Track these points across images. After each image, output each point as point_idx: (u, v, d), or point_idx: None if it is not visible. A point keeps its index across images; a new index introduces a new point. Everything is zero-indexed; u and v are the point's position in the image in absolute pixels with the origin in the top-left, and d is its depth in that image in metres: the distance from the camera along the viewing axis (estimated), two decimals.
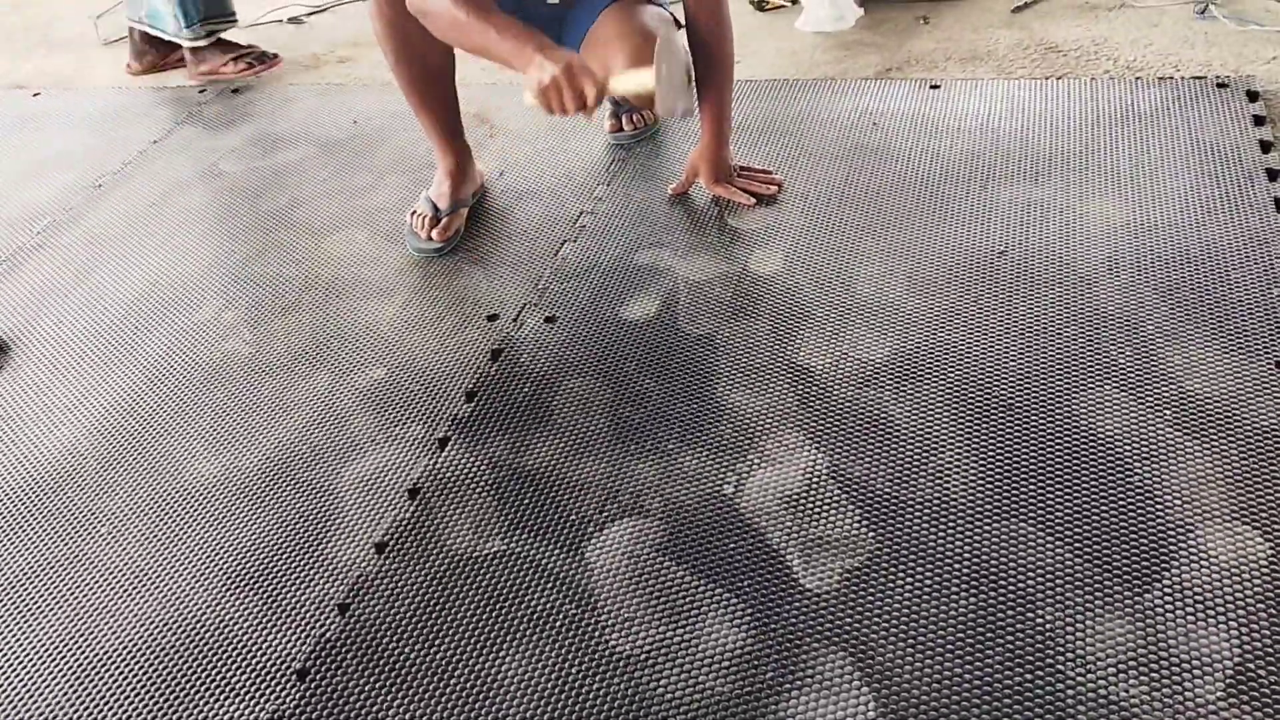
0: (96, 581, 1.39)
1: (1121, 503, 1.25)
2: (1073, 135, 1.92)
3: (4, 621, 1.36)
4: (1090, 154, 1.86)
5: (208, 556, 1.40)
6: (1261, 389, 1.36)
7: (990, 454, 1.34)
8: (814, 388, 1.48)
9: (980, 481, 1.31)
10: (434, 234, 1.92)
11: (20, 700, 1.25)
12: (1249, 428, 1.31)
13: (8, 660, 1.31)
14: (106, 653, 1.29)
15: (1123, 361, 1.43)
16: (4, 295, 2.04)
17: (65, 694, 1.25)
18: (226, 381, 1.70)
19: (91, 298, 1.98)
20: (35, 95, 2.95)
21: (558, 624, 1.23)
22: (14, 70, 3.20)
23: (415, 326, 1.75)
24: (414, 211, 1.97)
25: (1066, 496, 1.27)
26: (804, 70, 2.37)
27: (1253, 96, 1.94)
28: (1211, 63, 2.11)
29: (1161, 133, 1.88)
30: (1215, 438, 1.31)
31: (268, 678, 1.23)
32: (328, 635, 1.26)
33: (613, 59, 1.65)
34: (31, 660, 1.30)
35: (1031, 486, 1.29)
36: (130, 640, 1.30)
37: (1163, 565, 1.17)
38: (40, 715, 1.23)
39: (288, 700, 1.20)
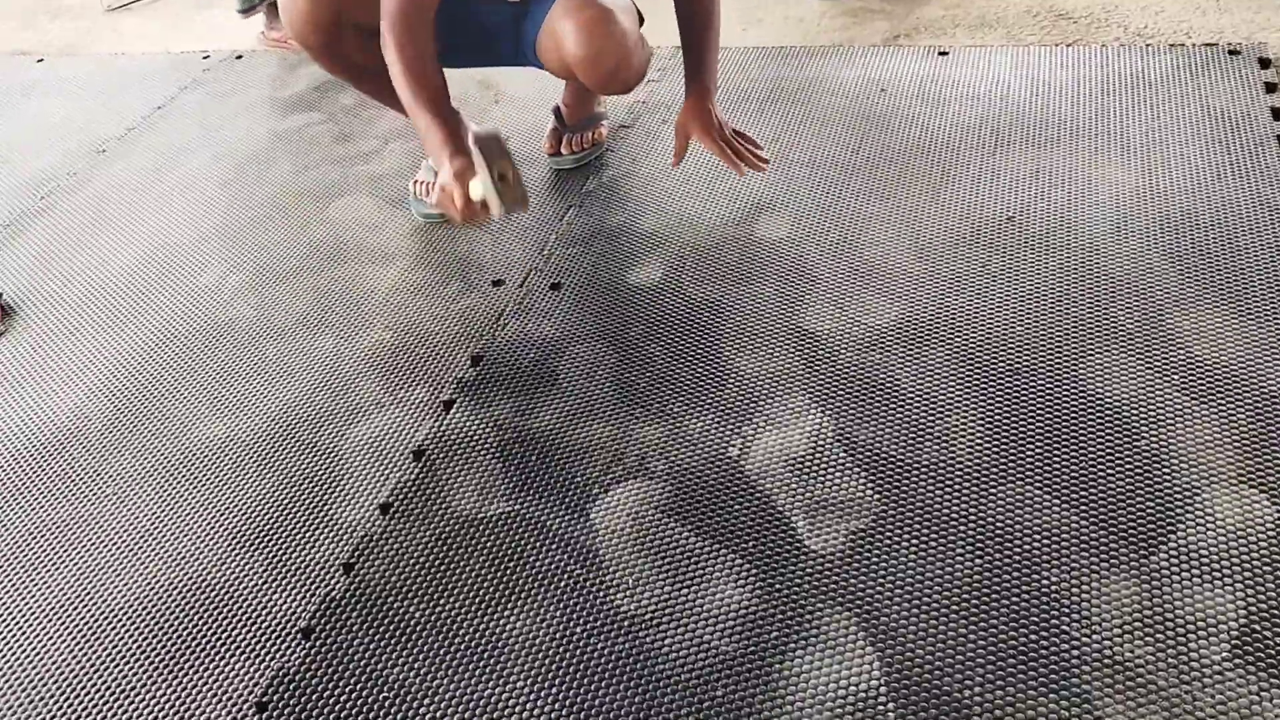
0: (102, 541, 1.39)
1: (1128, 466, 1.24)
2: (1082, 102, 1.90)
3: (11, 581, 1.36)
4: (1100, 121, 1.84)
5: (213, 517, 1.40)
6: (1270, 354, 1.35)
7: (997, 418, 1.33)
8: (820, 352, 1.48)
9: (986, 445, 1.30)
10: None
11: (28, 658, 1.26)
12: (1257, 392, 1.31)
13: (15, 619, 1.31)
14: (113, 611, 1.30)
15: (1130, 327, 1.43)
16: (9, 259, 2.04)
17: (72, 652, 1.26)
18: (231, 345, 1.70)
19: (96, 262, 1.98)
20: (39, 61, 2.94)
21: (562, 584, 1.23)
22: (18, 37, 3.18)
23: (420, 291, 1.75)
24: (417, 180, 1.95)
25: (1073, 460, 1.26)
26: (811, 37, 2.35)
27: (1264, 63, 1.92)
28: (1223, 29, 2.09)
29: (1172, 100, 1.87)
30: (1223, 402, 1.30)
31: (273, 636, 1.23)
32: (332, 594, 1.26)
33: (563, 41, 1.61)
34: (38, 618, 1.31)
35: (1038, 450, 1.28)
36: (136, 599, 1.31)
37: (1169, 528, 1.17)
38: (47, 673, 1.24)
39: (293, 658, 1.20)
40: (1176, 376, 1.34)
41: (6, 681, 1.23)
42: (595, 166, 1.98)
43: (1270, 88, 1.85)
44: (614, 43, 1.58)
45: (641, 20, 1.76)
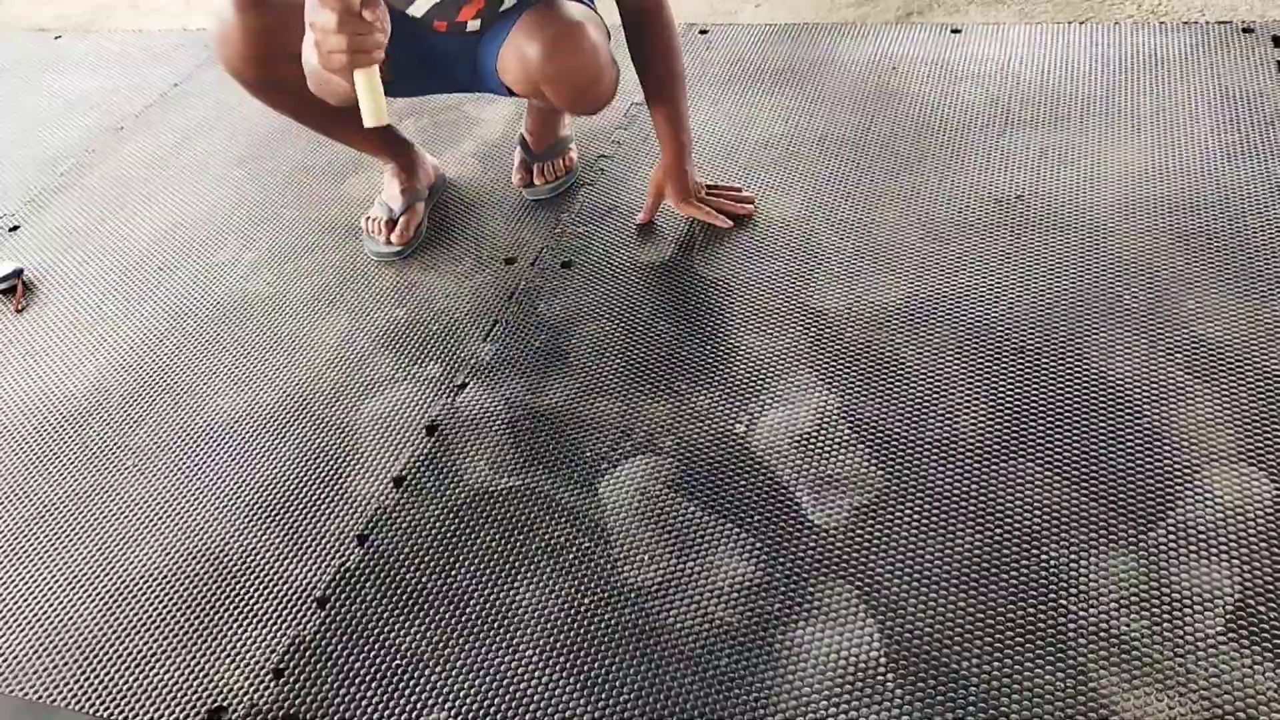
0: (123, 511, 1.43)
1: (1129, 444, 1.26)
2: (1094, 80, 1.90)
3: (35, 549, 1.40)
4: (1111, 100, 1.84)
5: (231, 489, 1.43)
6: (1274, 334, 1.36)
7: (1000, 395, 1.35)
8: (827, 330, 1.49)
9: (989, 422, 1.32)
10: (392, 237, 1.80)
11: (51, 624, 1.30)
12: (1260, 372, 1.32)
13: (39, 586, 1.35)
14: (133, 579, 1.33)
15: (1136, 306, 1.44)
16: (30, 236, 2.07)
17: (94, 618, 1.29)
18: (248, 320, 1.73)
19: (115, 238, 2.01)
20: (57, 38, 2.96)
21: (571, 556, 1.26)
22: (35, 13, 3.21)
23: (433, 268, 1.77)
24: (368, 216, 1.86)
25: (1075, 437, 1.28)
26: (824, 14, 2.35)
27: (1278, 42, 1.92)
28: (1238, 7, 2.08)
29: (1184, 78, 1.87)
30: (1225, 381, 1.31)
31: (289, 605, 1.26)
32: (347, 565, 1.30)
33: (529, 58, 1.50)
34: (61, 586, 1.34)
35: (1041, 427, 1.30)
36: (156, 568, 1.34)
37: (1168, 505, 1.18)
38: (71, 639, 1.28)
39: (308, 626, 1.23)
40: (1180, 355, 1.36)
41: (31, 647, 1.27)
42: (608, 144, 1.99)
43: None
44: (584, 58, 1.49)
45: (609, 35, 1.64)
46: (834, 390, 1.40)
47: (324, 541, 1.33)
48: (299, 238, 1.91)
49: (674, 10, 1.61)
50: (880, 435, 1.33)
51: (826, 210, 1.72)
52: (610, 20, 1.60)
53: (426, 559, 1.29)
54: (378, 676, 1.17)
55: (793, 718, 1.06)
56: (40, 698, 1.22)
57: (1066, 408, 1.32)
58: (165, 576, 1.33)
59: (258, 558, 1.33)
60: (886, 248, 1.62)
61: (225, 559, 1.34)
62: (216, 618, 1.27)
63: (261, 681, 1.19)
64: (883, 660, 1.09)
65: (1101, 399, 1.32)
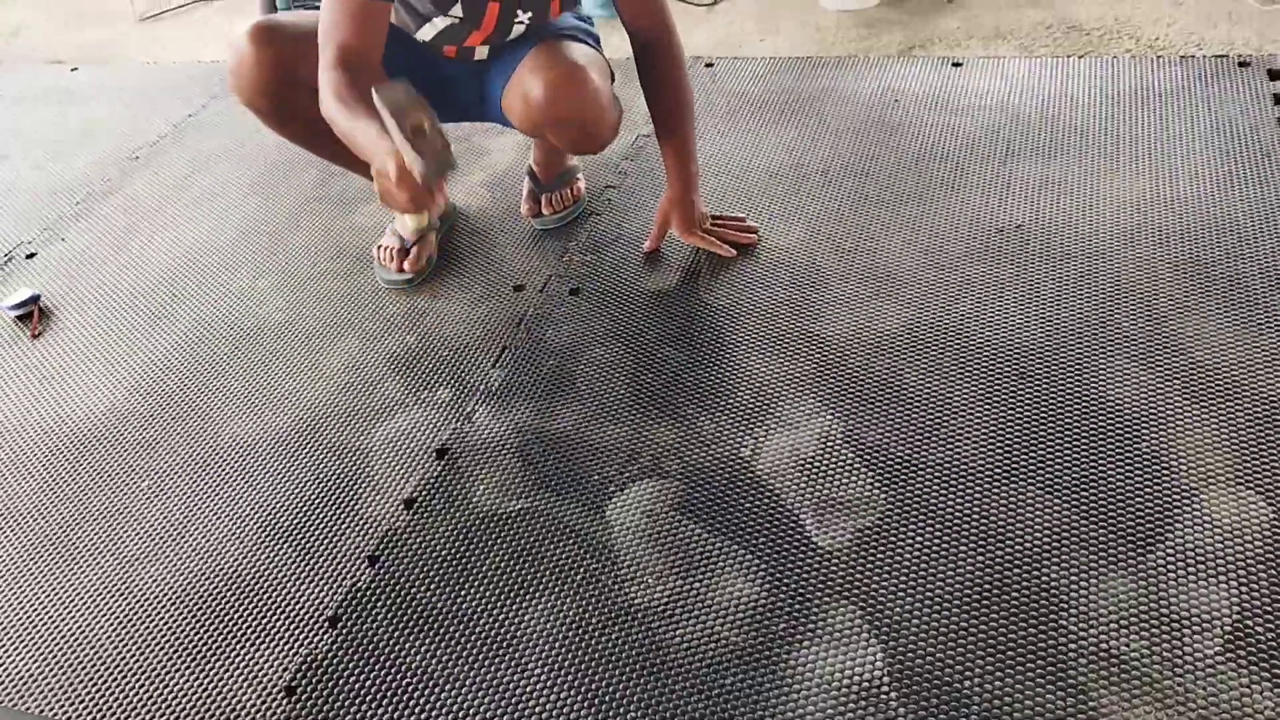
0: (137, 532, 1.45)
1: (1128, 468, 1.28)
2: (1093, 113, 1.94)
3: (50, 570, 1.42)
4: (1110, 132, 1.88)
5: (244, 511, 1.45)
6: (1270, 360, 1.39)
7: (1001, 420, 1.37)
8: (831, 356, 1.52)
9: (990, 446, 1.34)
10: (404, 265, 1.82)
11: (67, 642, 1.32)
12: (1257, 396, 1.34)
13: (56, 605, 1.37)
14: (149, 598, 1.35)
15: (1134, 333, 1.46)
16: (47, 263, 2.11)
17: (109, 637, 1.31)
18: (261, 346, 1.76)
19: (129, 266, 2.04)
20: (73, 70, 3.01)
21: (579, 577, 1.28)
22: (52, 45, 3.26)
23: (443, 295, 1.80)
24: (380, 245, 1.88)
25: (1075, 462, 1.30)
26: (827, 47, 2.39)
27: (1274, 75, 1.95)
28: (1234, 41, 2.12)
29: (1181, 111, 1.90)
30: (1223, 406, 1.34)
31: (301, 624, 1.28)
32: (358, 585, 1.32)
33: (531, 99, 1.54)
34: (76, 605, 1.36)
35: (1041, 452, 1.32)
36: (170, 587, 1.36)
37: (1167, 527, 1.20)
38: (86, 657, 1.29)
39: (320, 645, 1.25)
40: (1178, 381, 1.38)
41: (49, 665, 1.29)
42: (614, 174, 2.03)
43: (1279, 99, 1.88)
44: (585, 103, 1.52)
45: (613, 77, 1.68)
46: (838, 415, 1.42)
47: (335, 562, 1.36)
48: (311, 265, 1.94)
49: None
50: (883, 459, 1.35)
51: (830, 239, 1.75)
52: (619, 54, 1.64)
53: (436, 579, 1.31)
54: (388, 695, 1.19)
55: None
56: (55, 715, 1.24)
57: (1066, 432, 1.34)
58: (179, 596, 1.35)
59: (270, 578, 1.35)
60: (889, 276, 1.65)
61: (238, 579, 1.36)
62: (229, 636, 1.29)
63: (274, 699, 1.20)
64: (886, 680, 1.11)
65: (1101, 423, 1.34)
